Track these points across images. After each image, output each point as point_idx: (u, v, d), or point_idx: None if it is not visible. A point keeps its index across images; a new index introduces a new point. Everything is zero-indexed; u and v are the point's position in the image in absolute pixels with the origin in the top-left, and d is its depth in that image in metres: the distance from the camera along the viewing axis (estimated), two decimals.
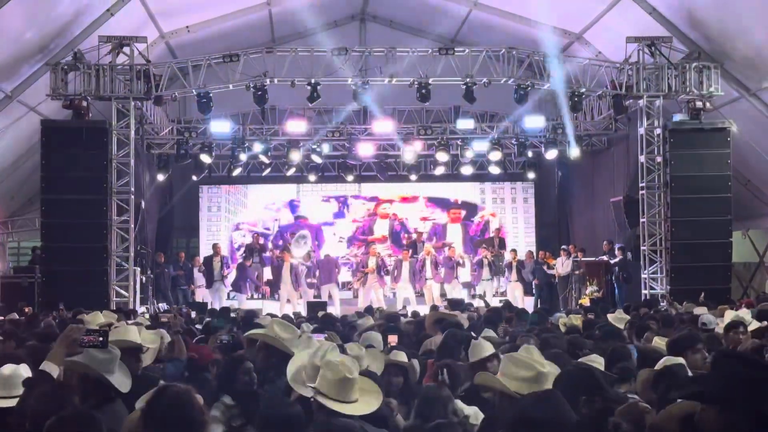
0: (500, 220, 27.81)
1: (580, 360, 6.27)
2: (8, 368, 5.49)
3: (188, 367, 7.33)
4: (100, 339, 5.10)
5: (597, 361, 6.20)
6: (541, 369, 4.92)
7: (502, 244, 25.71)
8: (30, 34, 18.00)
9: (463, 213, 27.88)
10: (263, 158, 23.91)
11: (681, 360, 6.03)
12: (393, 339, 8.22)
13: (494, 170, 25.32)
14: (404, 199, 27.84)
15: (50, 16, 18.07)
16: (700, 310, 13.66)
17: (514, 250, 24.92)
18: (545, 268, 24.07)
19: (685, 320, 11.24)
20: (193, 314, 16.80)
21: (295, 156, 23.71)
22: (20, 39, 17.84)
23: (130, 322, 10.18)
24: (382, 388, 5.61)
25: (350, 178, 25.90)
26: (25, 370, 5.44)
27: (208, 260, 23.54)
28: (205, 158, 23.06)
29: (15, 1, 15.79)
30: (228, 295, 23.53)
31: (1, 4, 15.67)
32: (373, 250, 24.73)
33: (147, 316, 15.17)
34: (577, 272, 22.86)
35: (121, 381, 5.27)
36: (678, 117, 20.44)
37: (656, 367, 5.89)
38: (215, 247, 24.05)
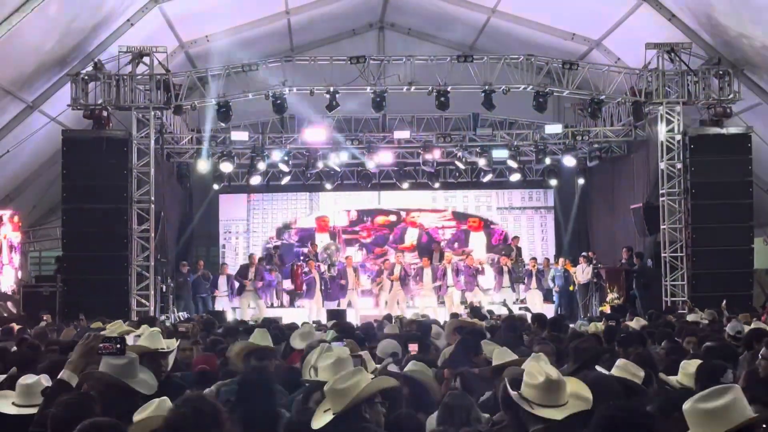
0: (519, 227, 27.69)
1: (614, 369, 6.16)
2: (29, 377, 5.52)
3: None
4: (118, 346, 5.11)
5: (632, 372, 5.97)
6: (551, 377, 4.84)
7: (520, 252, 25.58)
8: (51, 44, 18.13)
9: (483, 221, 27.75)
10: (282, 167, 23.90)
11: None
12: (413, 347, 8.11)
13: (514, 177, 25.19)
14: (433, 210, 27.70)
15: (70, 27, 18.19)
16: (693, 317, 13.60)
17: (533, 258, 24.82)
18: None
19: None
20: None
21: (316, 164, 23.74)
22: (41, 50, 17.97)
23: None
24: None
25: (369, 186, 25.79)
26: (45, 380, 5.45)
27: (244, 269, 23.40)
28: (225, 167, 23.06)
29: (36, 12, 15.90)
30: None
31: (22, 16, 15.80)
32: (398, 257, 24.68)
33: (168, 323, 15.19)
34: (596, 280, 22.73)
35: (145, 384, 5.22)
36: (698, 123, 20.32)
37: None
38: (252, 257, 24.04)
